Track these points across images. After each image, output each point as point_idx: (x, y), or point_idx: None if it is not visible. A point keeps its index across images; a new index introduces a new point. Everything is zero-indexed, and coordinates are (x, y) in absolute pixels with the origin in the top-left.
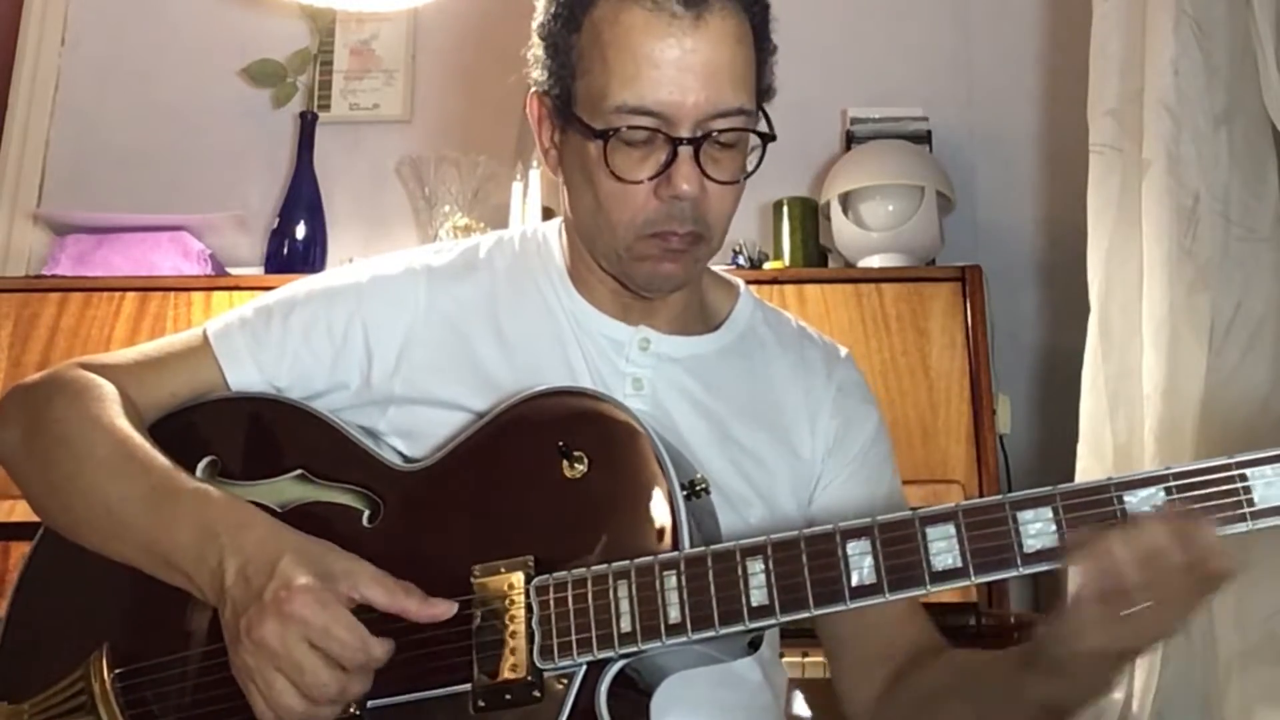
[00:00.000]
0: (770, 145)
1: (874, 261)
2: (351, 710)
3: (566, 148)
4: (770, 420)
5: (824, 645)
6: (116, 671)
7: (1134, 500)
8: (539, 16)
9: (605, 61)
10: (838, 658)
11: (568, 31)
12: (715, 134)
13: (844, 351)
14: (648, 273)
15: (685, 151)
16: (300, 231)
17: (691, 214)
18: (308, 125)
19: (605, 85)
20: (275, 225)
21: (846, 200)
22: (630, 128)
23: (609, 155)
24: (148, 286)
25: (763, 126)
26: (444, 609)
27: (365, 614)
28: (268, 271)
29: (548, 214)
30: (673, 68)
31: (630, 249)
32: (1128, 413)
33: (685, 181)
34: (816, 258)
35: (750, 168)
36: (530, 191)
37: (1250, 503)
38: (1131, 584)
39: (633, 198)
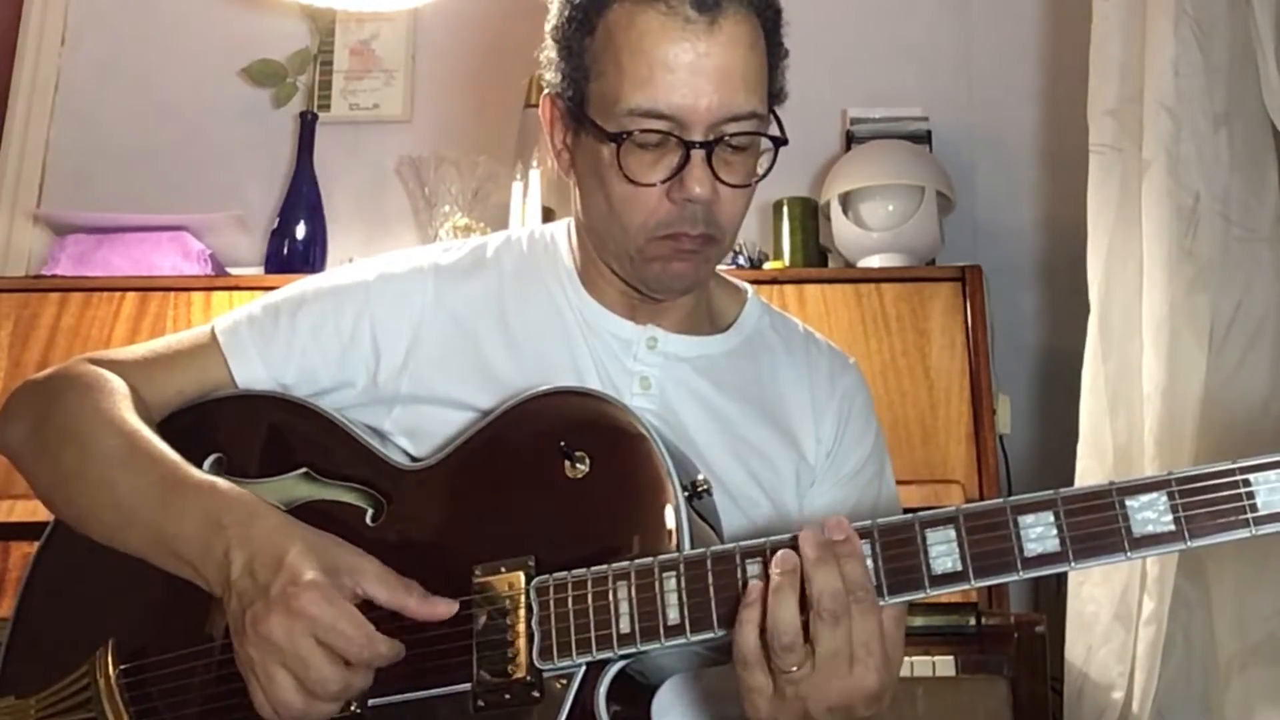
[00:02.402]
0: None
1: (874, 261)
2: (353, 709)
3: (579, 150)
4: (778, 421)
5: None
6: (121, 667)
7: (1135, 505)
8: (552, 19)
9: (619, 64)
10: None
11: (581, 34)
12: (727, 137)
13: (851, 360)
14: (658, 273)
15: (698, 155)
16: (300, 231)
17: (704, 216)
18: (308, 125)
19: (618, 88)
20: (275, 225)
21: (846, 200)
22: (643, 131)
23: (622, 158)
24: (148, 286)
25: (774, 130)
26: (444, 609)
27: (370, 613)
28: (268, 271)
29: (548, 214)
30: (686, 71)
31: (642, 250)
32: (1128, 413)
33: (698, 185)
34: (816, 258)
35: (761, 171)
36: (530, 191)
37: (1253, 508)
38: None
39: (645, 200)
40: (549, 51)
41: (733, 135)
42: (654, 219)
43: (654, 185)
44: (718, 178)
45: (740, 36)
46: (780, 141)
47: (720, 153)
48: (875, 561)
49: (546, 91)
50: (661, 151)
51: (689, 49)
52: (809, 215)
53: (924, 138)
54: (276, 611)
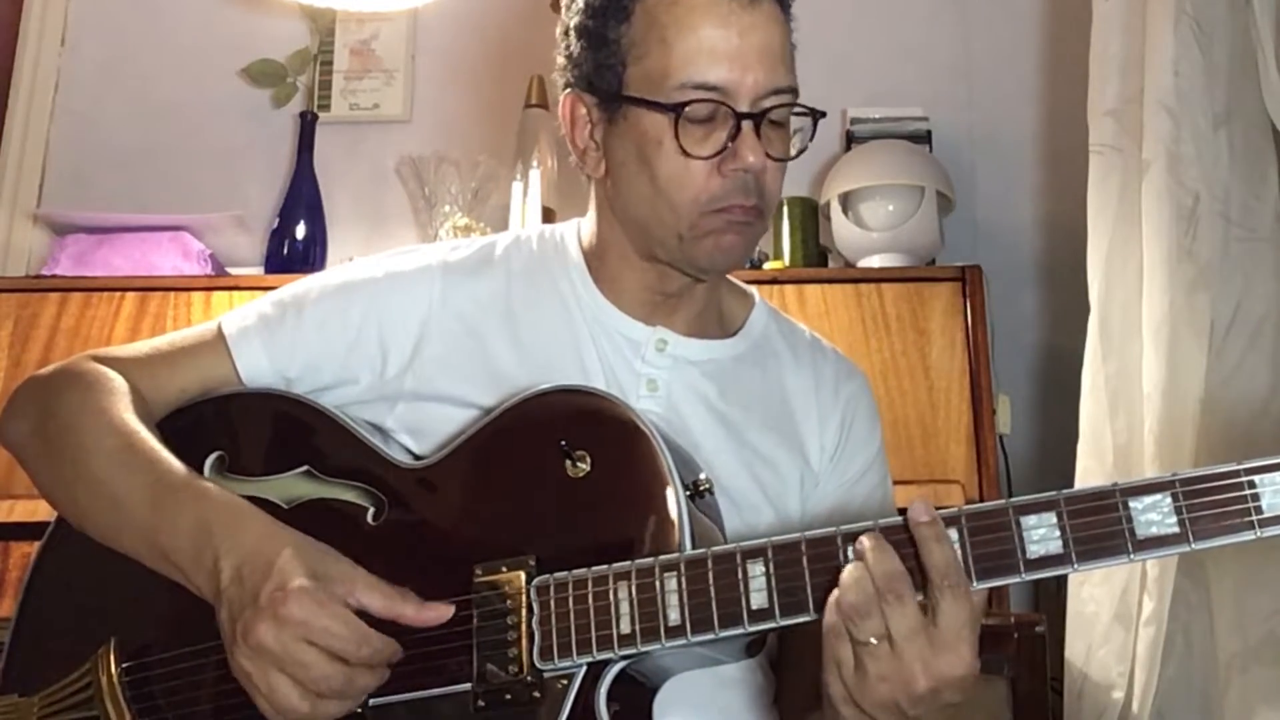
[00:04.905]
0: None
1: (874, 261)
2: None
3: (615, 138)
4: (783, 426)
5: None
6: (124, 665)
7: (1139, 506)
8: (573, 19)
9: (665, 42)
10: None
11: (616, 23)
12: (770, 111)
13: (857, 368)
14: (710, 249)
15: (748, 125)
16: (300, 231)
17: (755, 187)
18: (308, 125)
19: (666, 65)
20: (275, 225)
21: (846, 200)
22: (696, 102)
23: (679, 130)
24: (148, 286)
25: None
26: (439, 613)
27: (367, 617)
28: (268, 271)
29: (548, 214)
30: (733, 46)
31: (694, 226)
32: (1128, 413)
33: (751, 153)
34: (816, 258)
35: (795, 150)
36: (530, 191)
37: (1258, 510)
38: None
39: (695, 176)
40: (570, 48)
41: (775, 109)
42: (705, 194)
43: (705, 159)
44: (764, 151)
45: (775, 15)
46: (819, 114)
47: (763, 128)
48: None
49: (568, 90)
50: (711, 127)
51: (735, 24)
52: (809, 215)
53: (924, 138)
54: (265, 619)
